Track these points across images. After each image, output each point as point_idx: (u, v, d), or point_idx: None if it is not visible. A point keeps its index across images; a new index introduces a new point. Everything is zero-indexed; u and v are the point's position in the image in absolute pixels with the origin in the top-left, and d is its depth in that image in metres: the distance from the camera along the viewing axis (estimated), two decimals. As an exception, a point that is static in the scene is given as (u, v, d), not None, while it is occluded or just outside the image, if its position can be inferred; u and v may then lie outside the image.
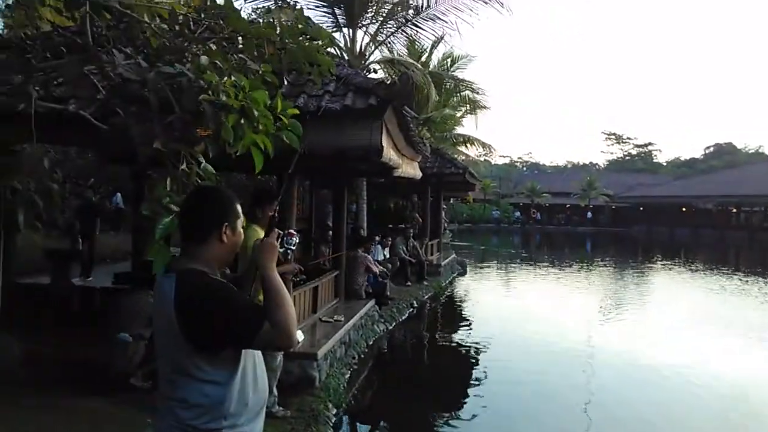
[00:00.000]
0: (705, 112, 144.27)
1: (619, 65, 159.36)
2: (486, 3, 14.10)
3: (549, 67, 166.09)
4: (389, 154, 6.42)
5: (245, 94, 2.31)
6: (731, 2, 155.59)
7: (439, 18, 14.43)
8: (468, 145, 25.21)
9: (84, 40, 2.62)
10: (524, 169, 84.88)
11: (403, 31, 14.96)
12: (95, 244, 11.34)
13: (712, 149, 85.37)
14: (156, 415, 2.04)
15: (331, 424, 5.63)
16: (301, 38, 2.83)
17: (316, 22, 12.61)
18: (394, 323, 10.58)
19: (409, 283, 13.87)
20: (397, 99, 5.98)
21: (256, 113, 2.31)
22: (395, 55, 16.64)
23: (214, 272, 2.00)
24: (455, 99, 23.03)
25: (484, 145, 25.52)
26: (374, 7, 14.27)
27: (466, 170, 17.10)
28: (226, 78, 2.39)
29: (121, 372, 5.28)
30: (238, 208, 2.08)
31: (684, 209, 56.00)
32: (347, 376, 7.17)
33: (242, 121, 2.32)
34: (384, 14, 14.52)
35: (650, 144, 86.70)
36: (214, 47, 2.80)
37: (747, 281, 20.22)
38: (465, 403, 6.88)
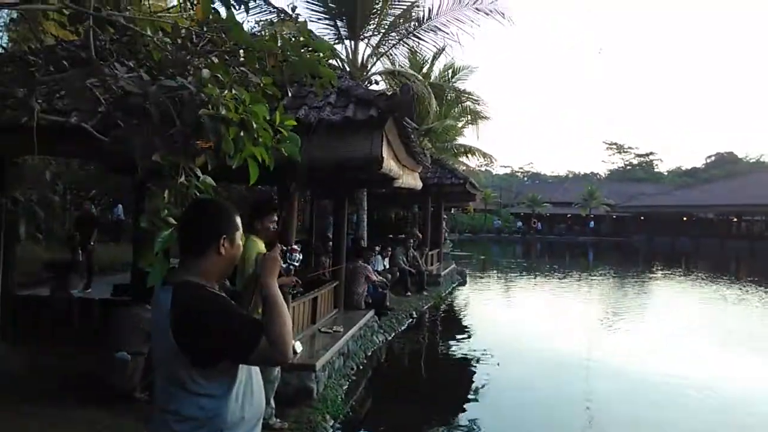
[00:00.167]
0: (706, 122, 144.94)
1: (620, 75, 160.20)
2: (488, 14, 14.20)
3: (550, 78, 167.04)
4: (390, 164, 6.44)
5: (245, 107, 2.33)
6: (731, 11, 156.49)
7: (441, 29, 14.52)
8: (469, 155, 25.30)
9: (87, 54, 2.64)
10: (525, 179, 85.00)
11: (404, 42, 15.05)
12: (92, 255, 11.35)
13: (713, 158, 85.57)
14: (149, 426, 2.04)
15: (330, 436, 5.61)
16: (303, 50, 2.85)
17: (318, 34, 12.70)
18: (393, 334, 10.55)
19: (408, 294, 13.85)
20: (398, 110, 6.01)
21: (255, 126, 2.33)
22: (397, 66, 16.74)
23: (212, 285, 1.99)
24: (456, 110, 23.18)
25: (485, 155, 25.60)
26: (376, 20, 14.37)
27: (466, 180, 17.14)
28: (227, 91, 2.41)
29: (121, 391, 5.27)
30: (238, 220, 2.08)
31: (685, 218, 56.09)
32: (345, 387, 7.15)
33: (242, 134, 2.33)
34: (386, 26, 14.62)
35: (651, 153, 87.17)
36: (216, 60, 2.83)
37: (747, 290, 20.19)
38: (463, 414, 6.85)
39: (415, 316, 12.33)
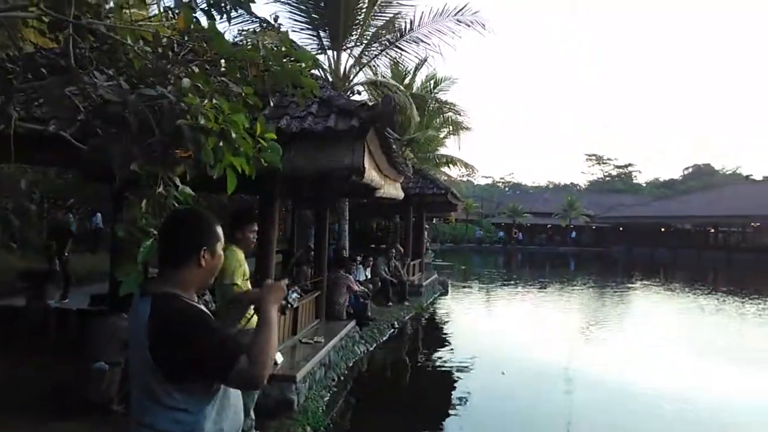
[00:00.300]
0: (684, 134, 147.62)
1: (600, 87, 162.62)
2: (469, 26, 14.33)
3: (531, 89, 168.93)
4: (371, 174, 6.46)
5: (225, 116, 2.33)
6: (709, 25, 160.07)
7: (423, 41, 14.61)
8: (451, 165, 25.45)
9: (66, 62, 2.62)
10: (506, 189, 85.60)
11: (387, 53, 15.12)
12: (67, 265, 11.18)
13: (690, 170, 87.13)
14: None
15: (310, 448, 5.57)
16: (285, 60, 2.86)
17: (300, 44, 12.74)
18: (374, 344, 10.52)
19: (390, 304, 13.82)
20: (380, 120, 6.04)
21: (234, 135, 2.33)
22: (379, 77, 16.80)
23: (191, 296, 1.96)
24: (438, 120, 23.32)
25: (466, 165, 25.77)
26: (359, 30, 14.44)
27: (448, 191, 17.22)
28: (207, 101, 2.41)
29: (98, 402, 5.18)
30: (218, 230, 2.03)
31: (663, 229, 56.86)
32: (326, 398, 7.11)
33: (221, 144, 2.33)
34: (368, 37, 14.69)
35: (630, 165, 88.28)
36: (196, 70, 2.82)
37: (725, 301, 20.52)
38: (445, 424, 6.85)
39: (396, 326, 12.31)
